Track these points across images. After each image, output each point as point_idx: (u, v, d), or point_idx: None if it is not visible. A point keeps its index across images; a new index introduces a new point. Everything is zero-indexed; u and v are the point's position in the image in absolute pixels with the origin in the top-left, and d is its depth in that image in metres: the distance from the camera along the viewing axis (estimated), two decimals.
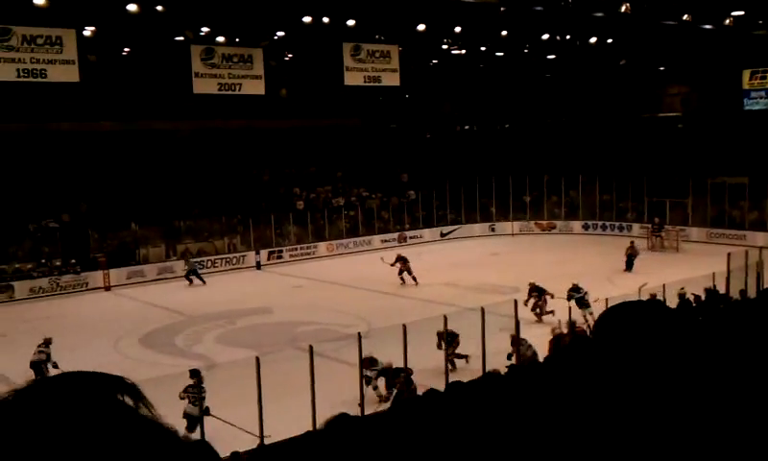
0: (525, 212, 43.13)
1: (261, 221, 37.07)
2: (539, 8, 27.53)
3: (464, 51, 38.14)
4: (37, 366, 17.37)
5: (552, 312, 21.13)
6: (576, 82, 45.09)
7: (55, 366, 17.27)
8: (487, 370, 14.17)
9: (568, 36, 34.02)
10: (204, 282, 30.93)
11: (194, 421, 13.82)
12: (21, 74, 25.81)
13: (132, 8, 25.39)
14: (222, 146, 39.26)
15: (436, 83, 46.02)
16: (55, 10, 24.71)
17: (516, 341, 16.73)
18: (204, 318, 24.76)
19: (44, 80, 26.34)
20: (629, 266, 29.90)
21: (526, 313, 20.62)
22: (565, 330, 17.17)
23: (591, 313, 20.01)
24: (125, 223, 34.17)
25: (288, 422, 12.16)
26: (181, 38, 30.80)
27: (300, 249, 37.44)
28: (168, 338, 22.53)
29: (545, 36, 33.45)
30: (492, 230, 42.31)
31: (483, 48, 37.36)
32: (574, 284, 21.87)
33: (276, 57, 35.58)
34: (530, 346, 16.82)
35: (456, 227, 42.10)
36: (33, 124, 33.94)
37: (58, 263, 31.65)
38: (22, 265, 31.16)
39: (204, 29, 30.33)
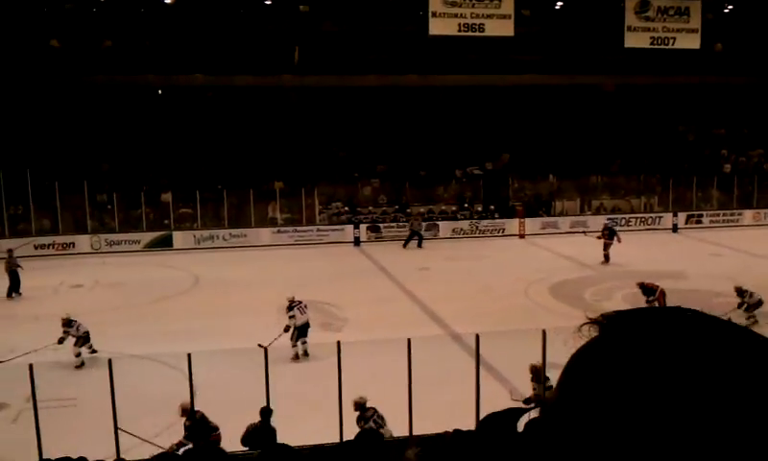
0: None
1: (682, 182, 35.41)
2: None
3: None
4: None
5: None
6: None
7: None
8: None
9: None
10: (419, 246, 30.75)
11: None
12: (462, 28, 27.74)
13: None
14: (646, 102, 38.06)
15: None
16: None
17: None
18: (614, 275, 24.59)
19: (482, 34, 27.99)
20: None
21: None
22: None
23: None
24: (543, 174, 35.23)
25: None
26: None
27: (723, 215, 35.05)
28: (577, 291, 22.83)
29: None
30: None
31: None
32: None
33: (715, 9, 33.23)
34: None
35: None
36: (469, 76, 36.29)
37: (479, 208, 33.89)
38: (447, 207, 33.99)
39: None
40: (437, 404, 12.10)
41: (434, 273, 25.58)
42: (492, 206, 33.64)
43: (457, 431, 7.35)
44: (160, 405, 13.26)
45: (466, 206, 34.10)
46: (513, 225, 32.82)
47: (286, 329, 16.44)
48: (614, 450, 0.74)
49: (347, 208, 33.17)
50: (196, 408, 11.20)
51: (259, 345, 14.32)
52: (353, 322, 19.44)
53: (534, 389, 12.03)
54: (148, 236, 30.57)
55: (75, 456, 8.05)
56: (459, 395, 12.14)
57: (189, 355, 10.96)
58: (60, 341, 16.36)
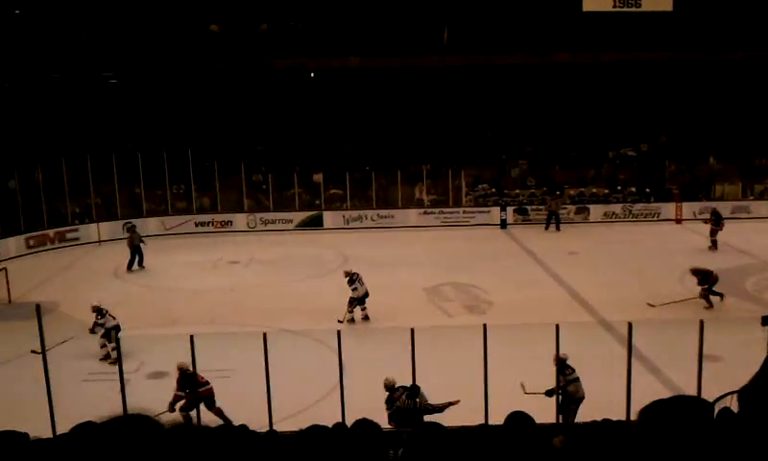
0: None
1: None
2: None
3: None
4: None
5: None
6: None
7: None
8: None
9: None
10: (558, 229, 29.63)
11: None
12: (617, 4, 26.75)
13: None
14: None
15: None
16: None
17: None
18: None
19: (638, 9, 26.88)
20: None
21: None
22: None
23: None
24: (702, 157, 33.49)
25: None
26: None
27: None
28: (737, 280, 21.60)
29: None
30: None
31: None
32: None
33: None
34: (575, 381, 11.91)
35: None
36: (621, 54, 34.91)
37: (632, 191, 32.67)
38: (599, 189, 32.96)
39: None
40: (586, 394, 11.84)
41: (583, 257, 24.96)
42: (648, 190, 32.33)
43: (606, 421, 7.17)
44: (310, 378, 13.74)
45: (618, 188, 32.97)
46: (669, 209, 31.44)
47: (351, 302, 17.85)
48: None
49: (494, 190, 32.90)
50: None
51: (339, 320, 15.21)
52: (498, 305, 19.32)
53: (559, 380, 11.57)
54: (300, 216, 31.58)
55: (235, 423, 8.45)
56: (608, 384, 11.81)
57: (339, 332, 11.26)
58: (92, 331, 16.10)
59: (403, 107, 34.87)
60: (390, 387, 11.43)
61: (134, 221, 27.91)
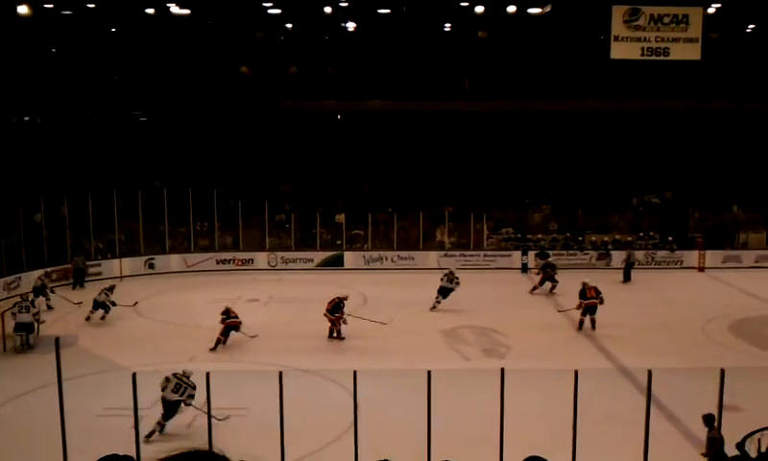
0: None
1: None
2: None
3: None
4: (99, 304, 22.00)
5: None
6: None
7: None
8: None
9: None
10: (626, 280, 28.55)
11: None
12: (645, 53, 26.83)
13: None
14: None
15: None
16: None
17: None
18: None
19: (666, 58, 26.93)
20: None
21: None
22: None
23: None
24: (727, 205, 33.22)
25: None
26: None
27: None
28: (761, 329, 21.31)
29: None
30: None
31: None
32: None
33: None
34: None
35: None
36: (647, 101, 34.88)
37: (655, 238, 32.41)
38: (622, 236, 32.72)
39: None
40: (603, 442, 11.67)
41: (605, 304, 24.66)
42: (671, 237, 32.05)
43: None
44: (324, 418, 13.66)
45: (641, 234, 32.72)
46: (692, 257, 31.11)
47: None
48: None
49: (519, 235, 32.79)
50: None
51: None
52: (517, 349, 19.16)
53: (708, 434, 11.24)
54: (321, 255, 31.64)
55: None
56: (627, 433, 11.64)
57: (355, 372, 11.23)
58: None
59: (427, 150, 35.04)
60: None
61: (158, 257, 28.10)
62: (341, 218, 32.68)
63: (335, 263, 31.32)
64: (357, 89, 33.92)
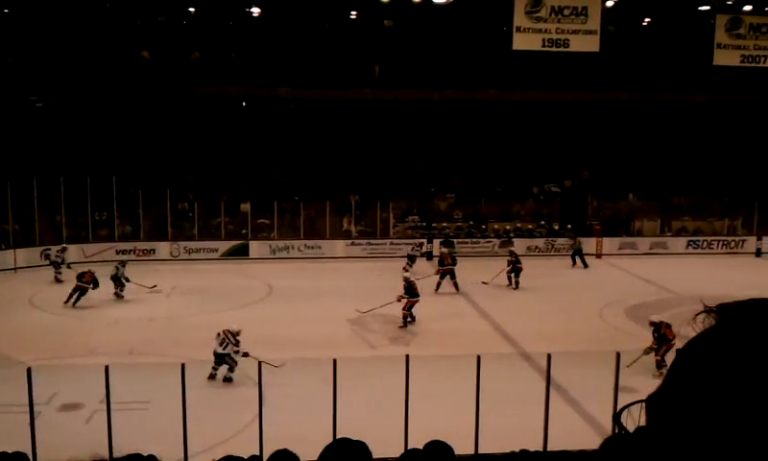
0: None
1: None
2: None
3: None
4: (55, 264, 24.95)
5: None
6: None
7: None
8: None
9: None
10: (586, 266, 29.45)
11: None
12: (546, 44, 27.46)
13: None
14: (733, 121, 36.83)
15: None
16: None
17: None
18: (692, 299, 23.76)
19: (566, 50, 27.63)
20: None
21: None
22: None
23: None
24: (623, 193, 34.50)
25: None
26: (707, 8, 29.72)
27: None
28: (655, 312, 22.18)
29: None
30: None
31: None
32: None
33: None
34: None
35: None
36: (547, 93, 35.71)
37: (555, 226, 33.37)
38: (523, 224, 33.57)
39: None
40: (504, 424, 11.91)
41: (506, 290, 25.26)
42: (570, 225, 33.05)
43: (524, 452, 7.21)
44: (229, 409, 13.48)
45: (542, 223, 33.64)
46: (590, 244, 32.18)
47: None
48: (728, 433, 0.76)
49: (424, 224, 33.13)
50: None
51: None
52: (422, 336, 19.37)
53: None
54: (225, 245, 31.16)
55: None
56: (527, 415, 11.93)
57: (260, 363, 11.15)
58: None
59: (333, 138, 34.94)
60: None
61: (54, 247, 27.18)
62: (246, 207, 32.25)
63: (240, 253, 30.93)
64: (263, 76, 33.48)
